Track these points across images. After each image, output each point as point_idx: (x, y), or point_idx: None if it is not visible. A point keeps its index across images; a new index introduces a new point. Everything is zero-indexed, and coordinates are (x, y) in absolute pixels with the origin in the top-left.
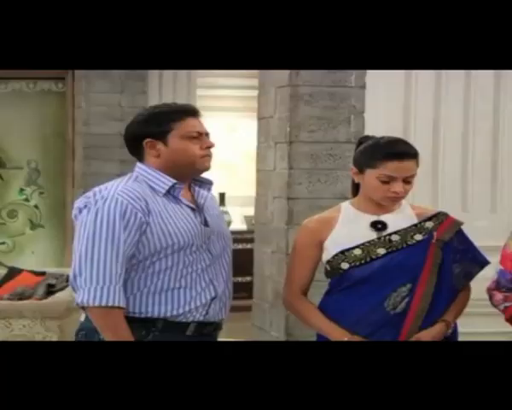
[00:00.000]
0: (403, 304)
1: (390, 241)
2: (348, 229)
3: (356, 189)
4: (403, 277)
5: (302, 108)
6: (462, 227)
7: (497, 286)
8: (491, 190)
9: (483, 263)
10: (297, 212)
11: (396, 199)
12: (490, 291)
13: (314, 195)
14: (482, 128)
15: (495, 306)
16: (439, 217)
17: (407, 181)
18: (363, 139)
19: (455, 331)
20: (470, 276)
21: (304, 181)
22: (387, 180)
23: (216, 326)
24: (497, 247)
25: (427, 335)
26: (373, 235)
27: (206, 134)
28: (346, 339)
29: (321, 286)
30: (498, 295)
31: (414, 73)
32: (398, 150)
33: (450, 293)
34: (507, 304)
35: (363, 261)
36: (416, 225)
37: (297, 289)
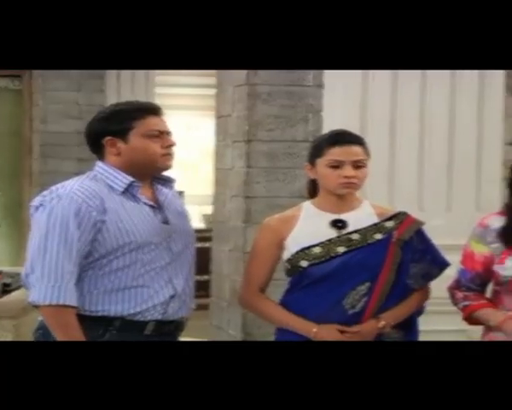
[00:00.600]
0: (361, 303)
1: (350, 239)
2: (309, 227)
3: (313, 189)
4: (362, 275)
5: (260, 107)
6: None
7: (457, 285)
8: (447, 189)
9: (442, 265)
10: (255, 211)
11: (349, 185)
12: (451, 290)
13: (272, 193)
14: (438, 128)
15: (455, 304)
16: (399, 217)
17: (357, 166)
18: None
19: (411, 330)
20: (429, 277)
21: (262, 180)
22: (336, 165)
23: (177, 325)
24: (453, 245)
25: (354, 330)
26: (333, 233)
27: (168, 133)
28: (314, 330)
29: (279, 285)
30: (459, 294)
31: (371, 72)
32: (343, 136)
33: (403, 293)
34: (466, 303)
35: (322, 259)
36: (376, 225)
37: (256, 287)
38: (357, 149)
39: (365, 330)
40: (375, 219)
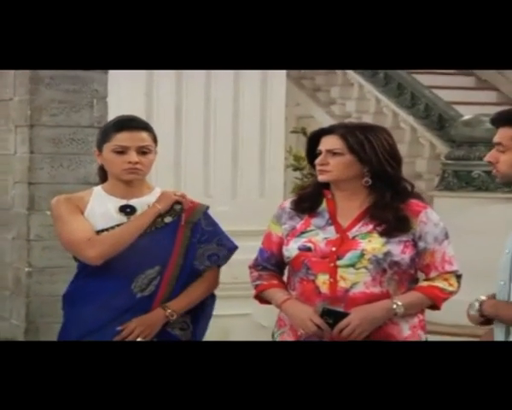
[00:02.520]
0: (151, 286)
1: None
2: (98, 212)
3: (103, 175)
4: (151, 259)
5: (43, 91)
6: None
7: (254, 264)
8: (232, 177)
9: (230, 247)
10: (39, 197)
11: (133, 171)
12: (250, 269)
13: (57, 180)
14: (222, 116)
15: (251, 282)
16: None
17: (143, 152)
18: None
19: (202, 316)
20: (216, 258)
21: (46, 166)
22: (121, 150)
23: None
24: (239, 231)
25: (141, 321)
26: (122, 219)
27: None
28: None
29: (67, 272)
30: (254, 273)
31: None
32: (129, 121)
33: (191, 276)
34: (258, 282)
35: None
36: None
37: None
38: (143, 134)
39: (150, 320)
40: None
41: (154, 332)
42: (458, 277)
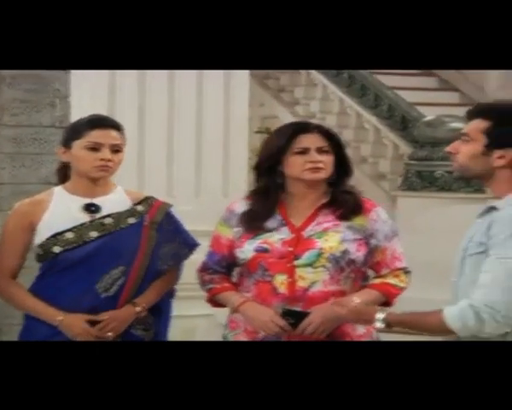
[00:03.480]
0: (115, 287)
1: (103, 224)
2: (61, 212)
3: (64, 173)
4: (116, 259)
5: (4, 91)
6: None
7: (205, 267)
8: (195, 176)
9: (192, 245)
10: (0, 197)
11: (105, 168)
12: (199, 272)
13: (18, 180)
14: (186, 115)
15: (202, 287)
16: (148, 200)
17: (115, 150)
18: None
19: (164, 315)
20: (179, 257)
21: (7, 166)
22: (95, 147)
23: None
24: (202, 231)
25: (113, 316)
26: (86, 218)
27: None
28: (59, 318)
29: (29, 273)
30: (205, 277)
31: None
32: (104, 119)
33: (155, 275)
34: (210, 286)
35: (75, 245)
36: (129, 209)
37: (7, 273)
38: (115, 133)
39: (122, 316)
40: (129, 204)
41: (123, 329)
42: (407, 273)
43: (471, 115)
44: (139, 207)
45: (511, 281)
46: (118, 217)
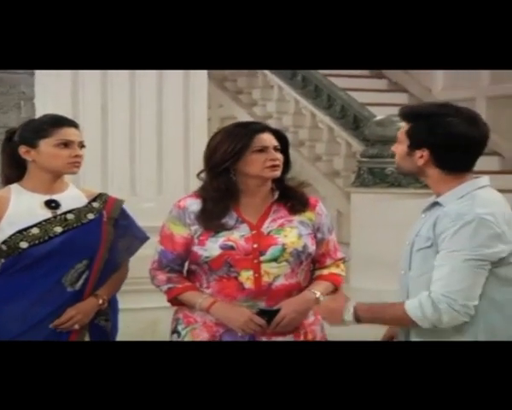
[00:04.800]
0: (81, 281)
1: (66, 219)
2: (22, 209)
3: (12, 173)
4: (80, 254)
5: None
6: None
7: (159, 266)
8: (157, 174)
9: (143, 238)
10: None
11: (77, 164)
12: (153, 272)
13: None
14: (147, 115)
15: (158, 286)
16: (102, 197)
17: (81, 147)
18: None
19: (114, 307)
20: (132, 250)
21: None
22: (66, 144)
23: None
24: None
25: (78, 308)
26: (48, 214)
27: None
28: None
29: None
30: (161, 276)
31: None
32: (65, 118)
33: (113, 268)
34: (170, 285)
35: (41, 240)
36: (87, 206)
37: None
38: (78, 131)
39: (86, 308)
40: (85, 200)
41: (88, 320)
42: (345, 262)
43: (400, 118)
44: (95, 204)
45: (464, 272)
46: (78, 213)
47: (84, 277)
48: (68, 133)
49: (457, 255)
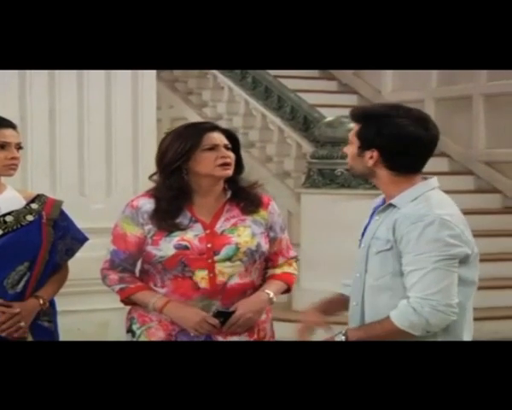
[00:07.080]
0: (22, 282)
1: (5, 222)
2: None
3: None
4: (21, 256)
5: None
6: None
7: (111, 266)
8: (106, 176)
9: (83, 240)
10: None
11: (14, 166)
12: (105, 271)
13: None
14: (96, 116)
15: (109, 286)
16: (41, 198)
17: (18, 149)
18: None
19: (53, 311)
20: (72, 252)
21: None
22: (3, 145)
23: None
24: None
25: (14, 310)
26: None
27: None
28: None
29: None
30: (113, 276)
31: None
32: (3, 119)
33: (53, 269)
34: (122, 285)
35: None
36: (25, 207)
37: None
38: (16, 132)
39: (28, 308)
40: (23, 202)
41: (31, 320)
42: (297, 261)
43: (350, 119)
44: (34, 205)
45: (438, 272)
46: (17, 215)
47: (25, 279)
48: (4, 134)
49: (427, 257)
